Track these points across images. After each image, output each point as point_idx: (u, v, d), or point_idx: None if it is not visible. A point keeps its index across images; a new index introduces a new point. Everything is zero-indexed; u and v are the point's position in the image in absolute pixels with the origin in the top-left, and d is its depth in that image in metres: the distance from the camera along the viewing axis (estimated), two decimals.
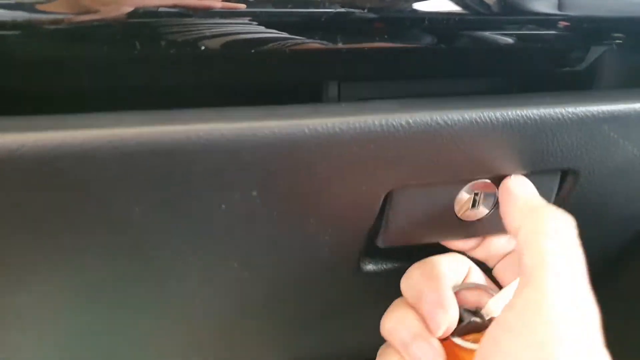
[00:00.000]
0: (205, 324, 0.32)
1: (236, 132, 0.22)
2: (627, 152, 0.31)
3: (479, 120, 0.25)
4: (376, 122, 0.24)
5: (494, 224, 0.32)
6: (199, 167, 0.22)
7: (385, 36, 0.25)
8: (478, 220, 0.31)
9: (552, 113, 0.27)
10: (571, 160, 0.29)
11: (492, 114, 0.26)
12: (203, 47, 0.22)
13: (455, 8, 0.25)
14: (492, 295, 0.30)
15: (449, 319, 0.27)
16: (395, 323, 0.28)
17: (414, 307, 0.28)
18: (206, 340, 0.33)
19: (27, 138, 0.20)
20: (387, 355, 0.29)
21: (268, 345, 0.35)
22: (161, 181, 0.22)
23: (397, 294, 0.37)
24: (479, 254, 0.32)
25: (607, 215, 0.34)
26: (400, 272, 0.34)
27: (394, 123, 0.24)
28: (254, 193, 0.24)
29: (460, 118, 0.25)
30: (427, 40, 0.26)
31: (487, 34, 0.27)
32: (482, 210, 0.31)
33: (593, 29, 0.28)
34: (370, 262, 0.33)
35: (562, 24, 0.27)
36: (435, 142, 0.25)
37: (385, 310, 0.38)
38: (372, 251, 0.34)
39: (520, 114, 0.26)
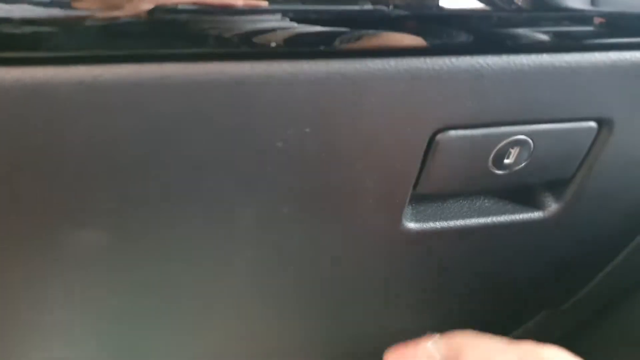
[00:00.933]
0: (247, 278, 0.34)
1: (294, 67, 0.24)
2: None
3: (516, 61, 0.27)
4: (421, 60, 0.25)
5: (520, 178, 0.33)
6: (261, 100, 0.24)
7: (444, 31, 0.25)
8: (510, 173, 0.33)
9: (586, 57, 0.28)
10: (607, 108, 0.31)
11: (529, 57, 0.27)
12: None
13: None
14: None
15: None
16: None
17: None
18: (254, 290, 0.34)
19: (105, 69, 0.22)
20: None
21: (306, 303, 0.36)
22: (226, 112, 0.24)
23: (436, 257, 0.38)
24: None
25: None
26: (440, 234, 0.35)
27: (439, 61, 0.26)
28: (307, 130, 0.26)
29: (498, 60, 0.27)
30: None
31: None
32: (514, 165, 0.32)
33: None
34: (412, 220, 0.34)
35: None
36: (475, 83, 0.27)
37: (425, 274, 0.39)
38: (412, 209, 0.35)
39: (554, 57, 0.28)
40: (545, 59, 0.28)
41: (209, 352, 0.41)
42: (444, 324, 0.43)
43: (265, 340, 0.41)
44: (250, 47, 0.22)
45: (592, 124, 0.32)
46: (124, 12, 0.20)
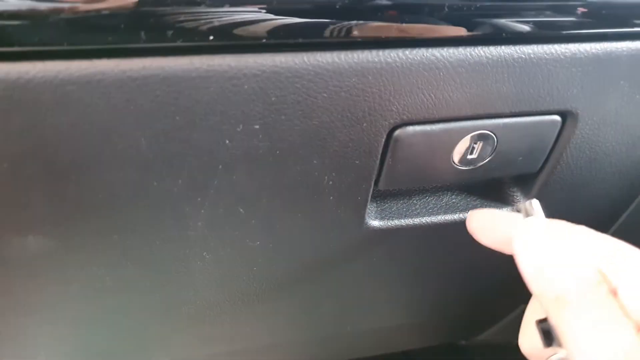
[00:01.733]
0: (209, 280, 0.33)
1: (237, 61, 0.23)
2: (627, 93, 0.31)
3: (473, 54, 0.26)
4: (373, 53, 0.24)
5: (485, 173, 0.32)
6: (204, 96, 0.23)
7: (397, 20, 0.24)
8: (474, 169, 0.32)
9: (545, 49, 0.27)
10: (569, 101, 0.30)
11: (486, 49, 0.27)
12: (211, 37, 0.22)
13: None
14: None
15: None
16: None
17: None
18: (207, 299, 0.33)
19: (34, 65, 0.21)
20: None
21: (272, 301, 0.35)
22: (167, 109, 0.23)
23: (402, 252, 0.37)
24: None
25: (608, 160, 0.34)
26: (406, 232, 0.35)
27: (391, 54, 0.25)
28: (256, 126, 0.25)
29: (455, 52, 0.26)
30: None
31: None
32: (478, 160, 0.32)
33: None
34: (375, 218, 0.34)
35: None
36: (431, 76, 0.26)
37: (391, 270, 0.38)
38: (377, 206, 0.34)
39: (513, 50, 0.27)
40: (503, 50, 0.27)
41: (171, 355, 0.40)
42: (415, 321, 0.42)
43: (229, 340, 0.40)
44: (187, 40, 0.21)
45: (556, 117, 0.31)
46: (49, 6, 0.19)
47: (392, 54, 0.25)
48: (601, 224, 0.43)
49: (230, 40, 0.21)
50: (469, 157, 0.31)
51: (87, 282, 0.31)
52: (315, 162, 0.28)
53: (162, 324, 0.37)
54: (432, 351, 0.59)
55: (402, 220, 0.34)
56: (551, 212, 0.39)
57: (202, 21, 0.21)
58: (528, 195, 0.36)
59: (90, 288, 0.31)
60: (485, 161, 0.32)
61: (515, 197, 0.37)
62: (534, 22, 0.27)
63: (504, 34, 0.26)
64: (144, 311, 0.36)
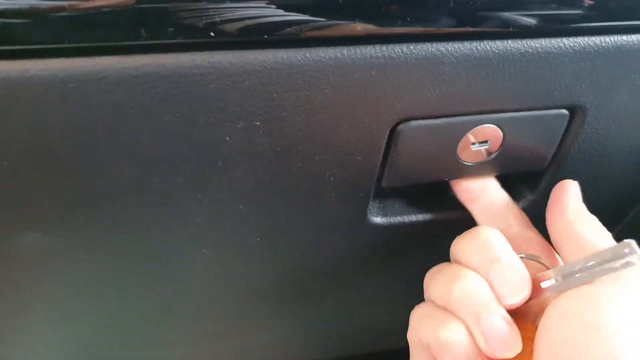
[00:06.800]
0: (208, 277, 0.33)
1: (237, 58, 0.23)
2: (638, 87, 0.30)
3: (479, 48, 0.26)
4: (376, 48, 0.24)
5: (492, 168, 0.32)
6: (204, 93, 0.23)
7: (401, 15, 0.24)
8: (480, 164, 0.32)
9: (553, 43, 0.27)
10: (577, 95, 0.29)
11: (492, 44, 0.26)
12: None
13: None
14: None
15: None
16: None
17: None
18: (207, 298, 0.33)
19: (35, 64, 0.21)
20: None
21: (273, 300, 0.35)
22: (167, 106, 0.22)
23: (405, 249, 0.37)
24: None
25: (617, 156, 0.33)
26: (407, 227, 0.34)
27: (395, 49, 0.24)
28: (257, 123, 0.24)
29: (460, 46, 0.25)
30: None
31: None
32: (484, 154, 0.31)
33: None
34: (377, 214, 0.33)
35: None
36: (436, 71, 0.26)
37: (391, 266, 0.37)
38: (379, 203, 0.34)
39: (520, 44, 0.26)
40: (510, 44, 0.26)
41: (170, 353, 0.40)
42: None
43: (225, 339, 0.40)
44: (187, 37, 0.21)
45: (564, 111, 0.30)
46: (49, 4, 0.19)
47: (396, 49, 0.24)
48: (609, 220, 0.42)
49: (231, 36, 0.21)
50: (473, 153, 0.31)
51: (86, 279, 0.31)
52: (316, 158, 0.27)
53: (159, 322, 0.37)
54: None
55: (405, 217, 0.34)
56: None
57: (203, 18, 0.21)
58: (535, 190, 0.35)
59: (88, 286, 0.31)
60: (491, 156, 0.31)
61: (522, 194, 0.36)
62: (541, 16, 0.26)
63: (510, 28, 0.25)
64: (141, 309, 0.36)
